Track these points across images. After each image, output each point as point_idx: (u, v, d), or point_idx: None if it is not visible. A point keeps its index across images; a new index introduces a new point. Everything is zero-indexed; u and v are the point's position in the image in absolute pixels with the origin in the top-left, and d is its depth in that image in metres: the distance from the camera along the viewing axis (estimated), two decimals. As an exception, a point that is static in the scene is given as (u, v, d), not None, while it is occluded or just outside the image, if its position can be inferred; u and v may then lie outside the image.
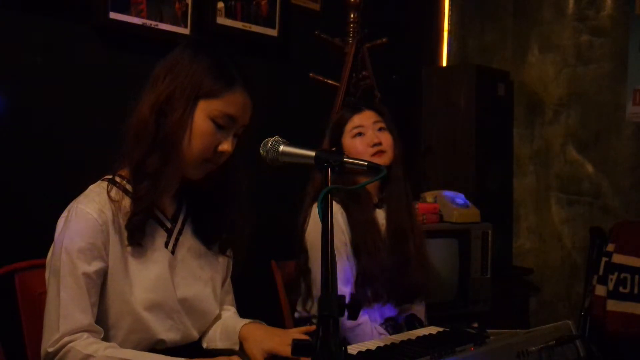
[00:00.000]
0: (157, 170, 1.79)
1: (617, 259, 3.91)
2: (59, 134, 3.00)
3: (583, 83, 4.54)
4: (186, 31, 3.37)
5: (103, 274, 1.79)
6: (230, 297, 2.13)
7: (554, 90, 4.67)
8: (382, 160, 2.60)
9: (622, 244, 3.95)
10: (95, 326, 1.77)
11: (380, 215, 2.69)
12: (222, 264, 2.05)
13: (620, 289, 3.86)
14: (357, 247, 2.57)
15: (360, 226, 2.58)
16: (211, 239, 2.00)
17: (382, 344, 1.91)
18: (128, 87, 2.94)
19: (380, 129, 2.66)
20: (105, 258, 1.78)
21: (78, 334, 1.73)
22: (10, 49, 2.89)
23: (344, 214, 2.58)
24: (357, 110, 2.71)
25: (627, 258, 3.89)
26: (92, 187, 1.87)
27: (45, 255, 2.07)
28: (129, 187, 1.84)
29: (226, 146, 1.83)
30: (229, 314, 2.08)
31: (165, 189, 1.85)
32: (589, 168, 4.52)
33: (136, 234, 1.81)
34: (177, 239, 1.92)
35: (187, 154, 1.81)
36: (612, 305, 3.87)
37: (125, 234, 1.81)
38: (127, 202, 1.82)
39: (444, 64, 5.14)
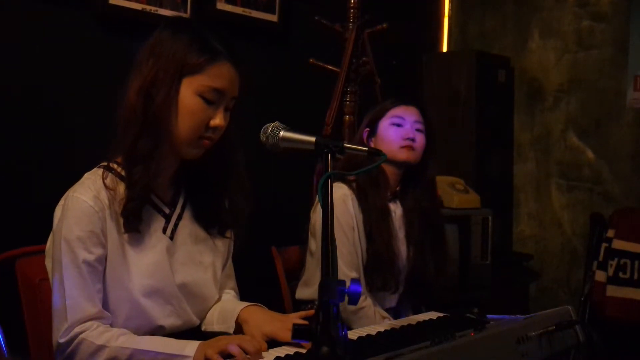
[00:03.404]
0: (148, 153, 1.78)
1: (617, 244, 3.92)
2: (58, 120, 3.00)
3: (584, 69, 4.53)
4: (186, 16, 3.36)
5: (104, 260, 1.79)
6: (231, 281, 2.12)
7: (554, 76, 4.66)
8: (409, 156, 2.61)
9: (622, 229, 3.96)
10: (103, 312, 1.77)
11: (391, 208, 2.69)
12: (223, 247, 2.04)
13: (620, 274, 3.87)
14: (371, 231, 2.58)
15: (375, 211, 2.59)
16: (211, 222, 1.98)
17: (382, 329, 1.92)
18: (128, 73, 2.94)
19: (417, 130, 2.65)
20: (104, 244, 1.78)
21: (88, 324, 1.74)
22: (10, 36, 2.88)
23: (355, 199, 2.59)
24: (405, 102, 2.70)
25: (627, 244, 3.90)
26: (87, 174, 1.86)
27: (45, 242, 2.08)
28: (124, 173, 1.82)
29: (218, 120, 1.81)
30: (229, 297, 2.08)
31: (159, 172, 1.83)
32: (589, 154, 4.51)
33: (132, 221, 1.80)
34: (175, 225, 1.91)
35: (180, 133, 1.79)
36: (612, 291, 3.88)
37: (121, 220, 1.80)
38: (122, 188, 1.80)
39: (445, 50, 5.14)
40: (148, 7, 3.24)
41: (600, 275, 3.96)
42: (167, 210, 1.91)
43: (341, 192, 2.58)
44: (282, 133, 1.72)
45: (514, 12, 4.86)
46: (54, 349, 1.77)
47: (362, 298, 2.53)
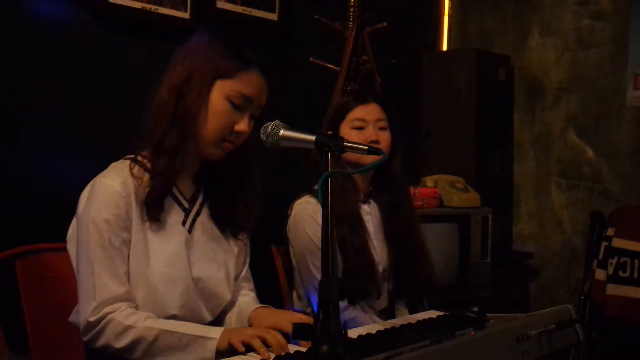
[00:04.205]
0: (175, 147, 1.86)
1: (617, 243, 3.92)
2: (58, 119, 2.99)
3: (584, 68, 4.53)
4: (186, 15, 3.36)
5: (129, 244, 1.86)
6: (249, 284, 2.19)
7: (554, 74, 4.66)
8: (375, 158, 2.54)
9: (622, 228, 3.95)
10: (131, 293, 1.84)
11: (366, 210, 2.66)
12: (237, 249, 2.10)
13: (620, 273, 3.87)
14: (343, 243, 2.53)
15: (345, 221, 2.53)
16: (225, 222, 2.05)
17: (382, 328, 1.92)
18: (128, 71, 2.94)
19: (381, 128, 2.60)
20: (129, 229, 1.85)
21: (117, 305, 1.80)
22: (10, 35, 2.88)
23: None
24: (363, 100, 2.63)
25: (627, 242, 3.89)
26: (114, 164, 1.94)
27: (44, 241, 2.09)
28: (149, 165, 1.91)
29: (242, 126, 1.90)
30: (247, 299, 2.14)
31: (183, 167, 1.92)
32: (589, 153, 4.51)
33: (154, 209, 1.88)
34: (194, 220, 1.98)
35: (205, 133, 1.88)
36: (612, 290, 3.88)
37: (145, 208, 1.87)
38: (147, 179, 1.89)
39: (445, 48, 5.13)
40: (148, 6, 3.23)
41: (600, 274, 3.95)
42: (186, 205, 1.98)
43: (310, 209, 2.55)
44: (282, 132, 1.73)
45: (514, 10, 4.85)
46: (80, 328, 1.82)
47: (349, 309, 2.50)
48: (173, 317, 1.89)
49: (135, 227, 1.86)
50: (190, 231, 1.96)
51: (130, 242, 1.86)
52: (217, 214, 2.04)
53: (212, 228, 2.03)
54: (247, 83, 1.90)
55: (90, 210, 1.83)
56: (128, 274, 1.85)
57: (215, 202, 2.03)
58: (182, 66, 1.89)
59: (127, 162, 1.92)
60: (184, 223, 1.96)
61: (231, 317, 2.08)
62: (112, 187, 1.84)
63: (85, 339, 1.83)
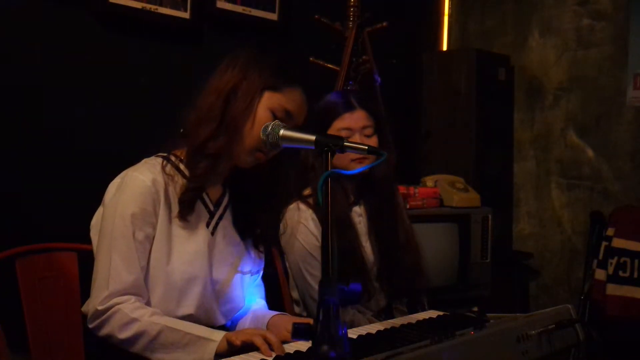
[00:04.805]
0: (218, 152, 1.89)
1: (617, 243, 3.92)
2: (59, 119, 2.99)
3: (584, 67, 4.53)
4: (186, 15, 3.36)
5: (152, 241, 1.89)
6: (261, 292, 2.23)
7: (554, 74, 4.66)
8: (361, 167, 2.48)
9: (622, 228, 3.95)
10: (143, 289, 1.87)
11: (357, 212, 2.65)
12: (255, 257, 2.14)
13: (620, 273, 3.87)
14: None
15: (335, 223, 2.50)
16: (244, 231, 2.09)
17: (382, 328, 1.92)
18: (128, 71, 2.93)
19: (367, 135, 2.55)
20: (155, 225, 1.88)
21: (126, 297, 1.83)
22: (10, 35, 2.88)
23: (316, 218, 2.52)
24: (350, 108, 2.56)
25: (627, 242, 3.89)
26: (146, 159, 1.97)
27: (45, 241, 2.09)
28: (182, 166, 1.94)
29: None
30: (259, 306, 2.17)
31: (222, 172, 1.96)
32: (589, 152, 4.51)
33: (186, 209, 1.91)
34: (217, 223, 2.01)
35: (246, 140, 1.89)
36: (612, 289, 3.88)
37: (173, 206, 1.91)
38: (178, 179, 1.92)
39: (445, 48, 5.13)
40: (148, 6, 3.23)
41: (600, 274, 3.95)
42: (212, 208, 2.01)
43: (300, 215, 2.54)
44: (282, 131, 1.74)
45: (514, 10, 4.85)
46: (89, 315, 1.85)
47: (345, 311, 2.48)
48: (189, 316, 1.91)
49: (161, 223, 1.89)
50: (213, 233, 2.00)
51: (153, 238, 1.88)
52: (239, 220, 2.07)
53: (232, 233, 2.06)
54: (291, 99, 1.93)
55: (118, 202, 1.86)
56: (147, 269, 1.88)
57: (237, 209, 2.07)
58: (231, 73, 1.93)
59: (160, 159, 1.95)
60: (207, 225, 1.99)
61: (245, 322, 2.10)
62: (144, 181, 1.87)
63: (90, 326, 1.85)
